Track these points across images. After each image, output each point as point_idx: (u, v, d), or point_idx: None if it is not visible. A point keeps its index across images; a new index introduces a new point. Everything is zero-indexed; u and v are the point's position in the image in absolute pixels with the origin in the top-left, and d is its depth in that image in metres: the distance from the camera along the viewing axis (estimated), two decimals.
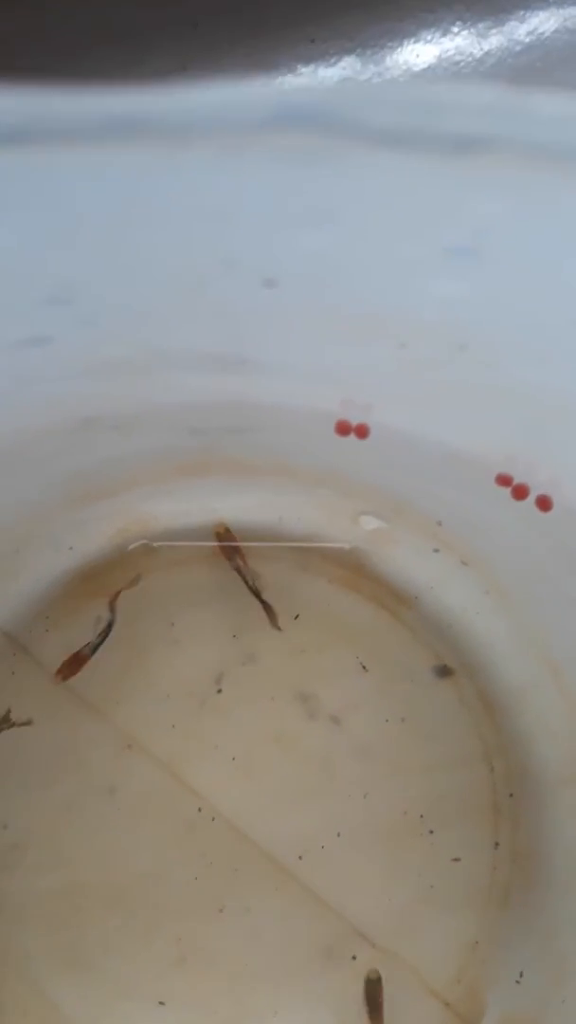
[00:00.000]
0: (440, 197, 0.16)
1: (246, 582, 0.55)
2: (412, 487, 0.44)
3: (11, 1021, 0.52)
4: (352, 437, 0.37)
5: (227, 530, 0.55)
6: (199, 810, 0.54)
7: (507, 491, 0.36)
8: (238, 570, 0.55)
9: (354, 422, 0.36)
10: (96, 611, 0.56)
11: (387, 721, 0.55)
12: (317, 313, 0.23)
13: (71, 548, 0.55)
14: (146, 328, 0.25)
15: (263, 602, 0.55)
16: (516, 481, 0.36)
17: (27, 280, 0.20)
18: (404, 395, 0.31)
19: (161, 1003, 0.53)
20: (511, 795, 0.55)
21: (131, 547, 0.56)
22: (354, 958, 0.53)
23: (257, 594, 0.55)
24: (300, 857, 0.54)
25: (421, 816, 0.54)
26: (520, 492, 0.36)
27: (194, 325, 0.25)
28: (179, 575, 0.57)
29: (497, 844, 0.54)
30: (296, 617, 0.57)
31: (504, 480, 0.36)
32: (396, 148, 0.14)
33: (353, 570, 0.57)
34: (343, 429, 0.37)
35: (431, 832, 0.54)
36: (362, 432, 0.36)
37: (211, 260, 0.19)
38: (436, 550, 0.54)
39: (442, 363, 0.25)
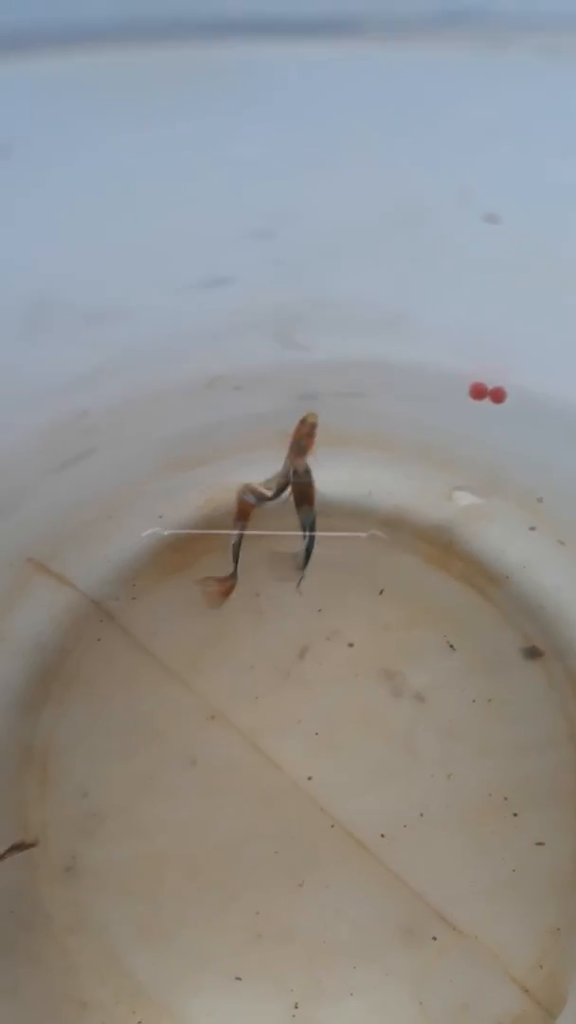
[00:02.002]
0: None
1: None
2: (522, 459, 0.43)
3: (88, 987, 0.52)
4: (487, 401, 0.36)
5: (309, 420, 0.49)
6: (281, 784, 0.53)
7: None
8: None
9: (490, 385, 0.35)
10: (182, 581, 0.55)
11: (473, 701, 0.54)
12: (521, 258, 0.22)
13: (161, 516, 0.54)
14: (328, 272, 0.24)
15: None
16: None
17: (241, 205, 0.20)
18: (568, 355, 0.30)
19: (237, 978, 0.52)
20: None
21: (144, 534, 0.55)
22: (434, 939, 0.53)
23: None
24: (382, 835, 0.53)
25: (505, 798, 0.54)
26: None
27: (377, 270, 0.25)
28: (265, 546, 0.56)
29: None
30: (381, 592, 0.56)
31: None
32: None
33: (443, 547, 0.56)
34: (478, 392, 0.36)
35: (515, 815, 0.53)
36: (498, 396, 0.35)
37: (449, 188, 0.19)
38: (532, 528, 0.53)
39: None
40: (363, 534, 0.56)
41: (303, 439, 0.48)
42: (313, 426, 0.49)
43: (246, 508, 0.52)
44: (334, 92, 0.15)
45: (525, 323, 0.28)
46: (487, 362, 0.34)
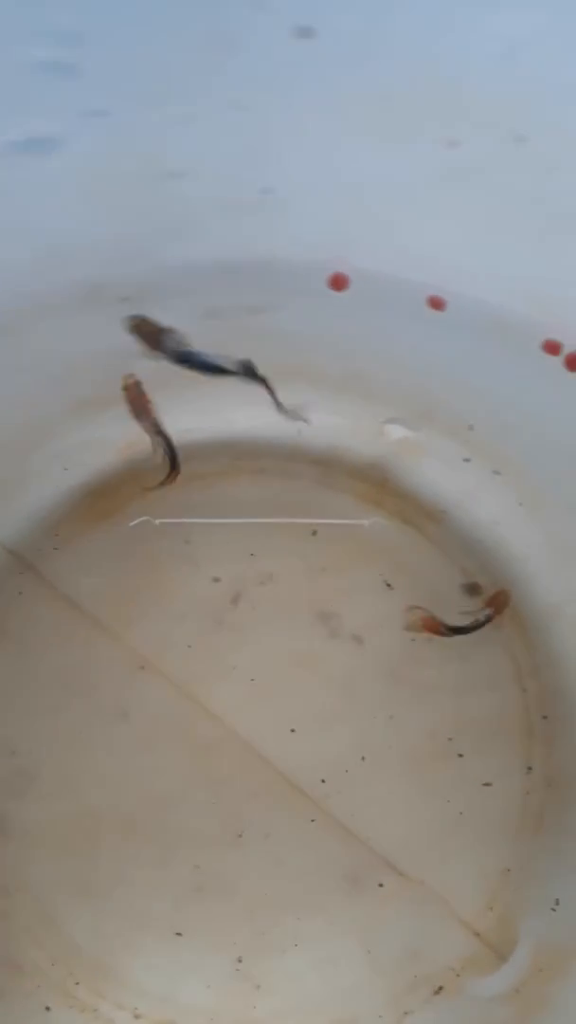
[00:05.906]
0: None
1: (160, 433, 0.48)
2: (451, 383, 0.41)
3: (24, 950, 0.50)
4: (427, 314, 0.33)
5: (137, 383, 0.47)
6: (216, 733, 0.51)
7: (557, 360, 0.33)
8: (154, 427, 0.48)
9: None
10: (108, 529, 0.53)
11: (413, 641, 0.52)
12: None
13: (81, 463, 0.52)
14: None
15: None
16: (567, 349, 0.33)
17: None
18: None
19: (178, 934, 0.51)
20: (545, 717, 0.52)
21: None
22: (380, 886, 0.51)
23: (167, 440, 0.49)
24: (323, 781, 0.51)
25: (449, 739, 0.52)
26: (573, 361, 0.33)
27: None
28: (196, 491, 0.54)
29: (530, 768, 0.52)
30: (314, 533, 0.54)
31: (553, 347, 0.33)
32: None
33: (377, 485, 0.54)
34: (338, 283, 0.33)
35: (460, 756, 0.52)
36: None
37: None
38: (467, 459, 0.51)
39: None
40: (366, 522, 0.54)
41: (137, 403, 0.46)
42: (138, 384, 0.47)
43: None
44: None
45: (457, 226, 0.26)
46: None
